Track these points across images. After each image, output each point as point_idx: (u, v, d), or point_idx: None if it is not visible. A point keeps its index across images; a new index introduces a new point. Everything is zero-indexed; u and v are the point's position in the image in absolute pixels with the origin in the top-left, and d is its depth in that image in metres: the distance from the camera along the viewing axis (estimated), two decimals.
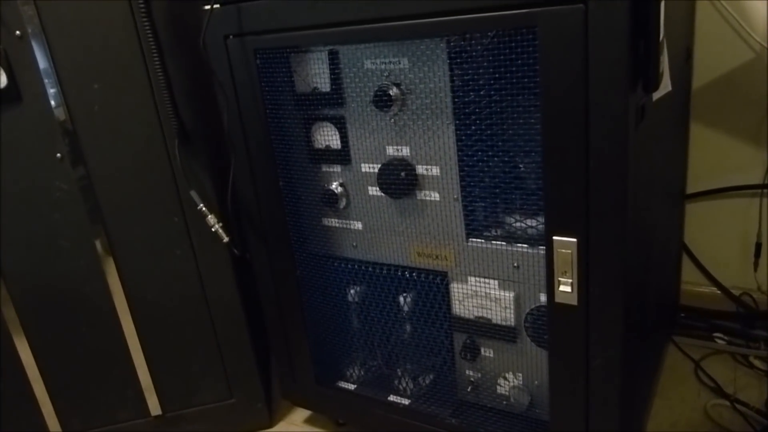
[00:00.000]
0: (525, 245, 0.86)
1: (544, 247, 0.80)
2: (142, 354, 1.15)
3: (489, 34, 0.76)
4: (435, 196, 0.90)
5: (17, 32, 0.94)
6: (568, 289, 0.79)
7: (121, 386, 1.17)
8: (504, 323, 0.92)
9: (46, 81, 0.97)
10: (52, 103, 0.98)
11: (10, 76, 0.96)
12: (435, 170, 0.89)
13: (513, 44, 0.74)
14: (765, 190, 1.29)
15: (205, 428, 1.23)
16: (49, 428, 1.18)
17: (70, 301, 1.10)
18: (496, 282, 0.91)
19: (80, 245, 1.07)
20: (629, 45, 0.66)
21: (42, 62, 0.96)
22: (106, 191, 1.05)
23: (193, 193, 1.04)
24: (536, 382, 0.94)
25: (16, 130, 0.99)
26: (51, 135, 1.00)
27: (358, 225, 1.00)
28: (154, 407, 1.20)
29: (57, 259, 1.07)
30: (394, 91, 0.86)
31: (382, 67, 0.87)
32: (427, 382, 1.06)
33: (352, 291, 1.06)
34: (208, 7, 0.91)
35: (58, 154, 1.01)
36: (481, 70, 0.80)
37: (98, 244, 1.07)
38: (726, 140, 1.31)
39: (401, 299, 1.01)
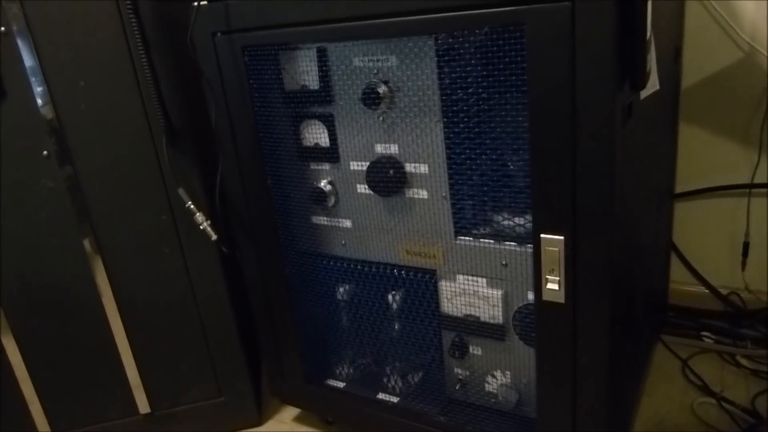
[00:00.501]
0: (513, 243, 0.86)
1: (532, 245, 0.80)
2: (131, 352, 1.15)
3: (477, 31, 0.76)
4: (423, 194, 0.90)
5: (2, 29, 0.93)
6: (555, 287, 0.79)
7: (109, 385, 1.17)
8: (492, 321, 0.92)
9: (32, 78, 0.96)
10: (39, 100, 0.98)
11: None
12: (423, 168, 0.89)
13: (501, 42, 0.74)
14: (752, 190, 1.30)
15: (194, 427, 1.22)
16: (37, 427, 1.17)
17: (58, 299, 1.10)
18: (485, 280, 0.91)
19: (68, 244, 1.06)
20: (616, 43, 0.66)
21: (28, 60, 0.95)
22: (93, 189, 1.04)
23: (181, 191, 1.04)
24: (524, 380, 0.94)
25: (2, 127, 0.99)
26: (37, 133, 0.99)
27: (347, 223, 1.00)
28: (143, 405, 1.19)
29: (44, 258, 1.07)
30: (382, 89, 0.86)
31: (371, 64, 0.87)
32: (416, 380, 1.06)
33: (341, 289, 1.06)
34: (195, 3, 0.91)
35: (45, 152, 1.01)
36: (469, 68, 0.80)
37: (86, 243, 1.06)
38: (714, 140, 1.31)
39: (390, 297, 1.01)
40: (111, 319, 1.12)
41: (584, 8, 0.66)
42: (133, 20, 0.93)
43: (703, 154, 1.33)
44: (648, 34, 0.71)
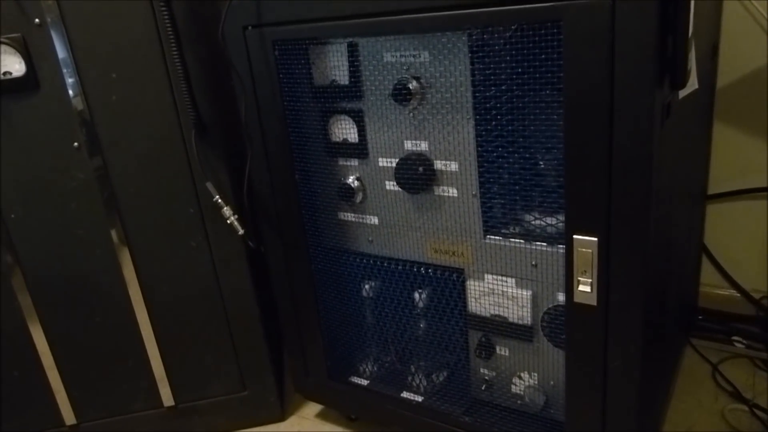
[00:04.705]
0: (544, 243, 0.85)
1: (564, 246, 0.78)
2: (156, 345, 1.15)
3: (512, 27, 0.74)
4: (453, 191, 0.89)
5: (36, 20, 0.94)
6: (587, 288, 0.78)
7: (134, 376, 1.18)
8: (520, 322, 0.91)
9: (64, 70, 0.97)
10: (70, 92, 0.98)
11: (28, 65, 0.96)
12: (453, 166, 0.87)
13: (536, 38, 0.73)
14: None
15: (217, 420, 1.23)
16: (63, 416, 1.18)
17: (85, 290, 1.11)
18: (514, 280, 0.89)
19: (96, 235, 1.07)
20: (657, 40, 0.65)
21: (61, 51, 0.96)
22: (122, 181, 1.05)
23: (209, 185, 1.04)
24: (552, 382, 0.93)
25: (34, 118, 1.00)
26: (68, 124, 1.00)
27: (374, 220, 0.99)
28: (167, 398, 1.20)
29: (73, 248, 1.08)
30: (413, 85, 0.85)
31: (402, 60, 0.86)
32: (441, 379, 1.06)
33: (366, 286, 1.05)
34: None
35: (76, 143, 1.01)
36: (503, 65, 0.78)
37: (114, 234, 1.07)
38: (749, 140, 1.28)
39: (416, 295, 1.00)
40: (137, 310, 1.13)
41: (625, 4, 0.64)
42: (165, 14, 0.93)
43: (737, 155, 1.30)
44: (690, 31, 0.69)
